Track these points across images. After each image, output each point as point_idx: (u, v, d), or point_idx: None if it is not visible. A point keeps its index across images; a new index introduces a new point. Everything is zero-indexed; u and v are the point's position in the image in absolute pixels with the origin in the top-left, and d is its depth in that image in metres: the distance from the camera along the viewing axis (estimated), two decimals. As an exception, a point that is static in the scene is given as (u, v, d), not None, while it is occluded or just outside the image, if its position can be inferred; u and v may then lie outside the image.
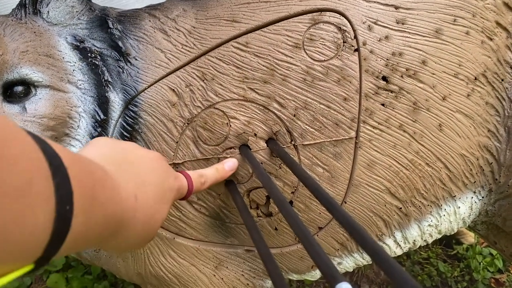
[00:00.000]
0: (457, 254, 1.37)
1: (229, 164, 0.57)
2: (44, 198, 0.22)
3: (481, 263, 1.30)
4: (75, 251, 0.29)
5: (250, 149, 0.58)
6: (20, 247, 0.21)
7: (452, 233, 0.71)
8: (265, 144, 0.58)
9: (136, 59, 0.57)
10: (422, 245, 0.70)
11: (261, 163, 0.59)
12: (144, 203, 0.37)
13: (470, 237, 1.37)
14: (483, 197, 0.66)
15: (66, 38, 0.57)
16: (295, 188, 0.60)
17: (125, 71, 0.57)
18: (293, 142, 0.58)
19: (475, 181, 0.64)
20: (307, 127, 0.57)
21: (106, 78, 0.56)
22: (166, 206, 0.42)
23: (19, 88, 0.52)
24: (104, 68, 0.57)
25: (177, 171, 0.49)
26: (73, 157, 0.26)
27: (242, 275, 0.69)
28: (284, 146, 0.58)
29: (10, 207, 0.19)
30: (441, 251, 1.39)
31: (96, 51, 0.57)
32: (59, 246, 0.24)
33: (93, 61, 0.57)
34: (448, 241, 1.41)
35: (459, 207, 0.65)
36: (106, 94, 0.56)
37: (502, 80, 0.59)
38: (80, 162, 0.27)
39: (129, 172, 0.37)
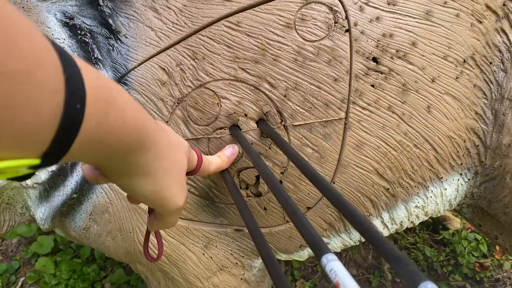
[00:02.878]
0: (443, 239, 1.39)
1: (230, 150, 0.58)
2: (52, 89, 0.21)
3: (466, 248, 1.33)
4: (88, 160, 0.28)
5: (241, 130, 0.58)
6: (23, 133, 0.20)
7: (439, 215, 0.72)
8: (256, 125, 0.59)
9: (126, 37, 0.57)
10: (409, 226, 0.71)
11: (251, 143, 0.59)
12: (165, 128, 0.37)
13: (456, 223, 1.39)
14: (469, 179, 0.67)
15: (55, 14, 0.56)
16: (284, 168, 0.61)
17: (115, 49, 0.56)
18: (283, 123, 0.58)
19: (461, 163, 0.65)
20: (297, 108, 0.57)
21: (96, 56, 0.56)
22: (181, 156, 0.41)
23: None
24: (94, 46, 0.56)
25: None
26: (87, 65, 0.25)
27: (231, 254, 0.69)
28: (274, 126, 0.58)
29: (10, 88, 0.18)
30: (428, 236, 1.42)
31: (86, 28, 0.56)
32: (67, 145, 0.23)
33: (83, 38, 0.56)
34: (435, 227, 1.43)
35: (446, 189, 0.66)
36: (96, 72, 0.56)
37: (490, 63, 0.60)
38: (95, 71, 0.26)
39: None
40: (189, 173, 0.49)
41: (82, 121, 0.23)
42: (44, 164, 0.23)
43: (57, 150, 0.23)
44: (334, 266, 0.31)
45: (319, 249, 0.33)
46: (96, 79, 0.25)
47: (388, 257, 0.31)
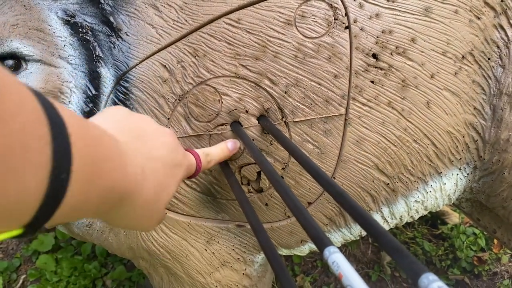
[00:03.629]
0: (441, 234, 1.40)
1: (231, 144, 0.58)
2: (38, 164, 0.20)
3: (465, 242, 1.34)
4: (70, 220, 0.28)
5: (242, 126, 0.59)
6: (5, 211, 0.19)
7: (438, 209, 0.73)
8: (257, 121, 0.59)
9: (127, 35, 0.57)
10: (409, 221, 0.72)
11: (252, 139, 0.60)
12: (151, 177, 0.36)
13: (455, 217, 1.40)
14: (468, 174, 0.68)
15: (57, 12, 0.56)
16: (285, 164, 0.61)
17: (116, 47, 0.57)
18: (284, 119, 0.59)
19: (460, 158, 0.65)
20: (298, 104, 0.58)
21: (97, 54, 0.56)
22: (174, 182, 0.41)
23: (10, 62, 0.52)
24: (95, 44, 0.56)
25: (184, 149, 0.49)
26: (78, 122, 0.24)
27: (233, 249, 0.70)
28: (275, 123, 0.59)
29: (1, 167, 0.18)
30: (427, 231, 1.43)
31: (87, 26, 0.57)
32: (50, 215, 0.23)
33: (84, 36, 0.56)
34: (433, 221, 1.44)
35: (445, 184, 0.67)
36: (98, 70, 0.56)
37: (489, 59, 0.60)
38: (86, 128, 0.26)
39: (139, 145, 0.36)
40: (189, 177, 0.49)
41: (67, 191, 0.23)
42: (25, 234, 0.23)
43: (38, 222, 0.22)
44: (336, 258, 0.32)
45: (321, 242, 0.34)
46: (85, 143, 0.24)
47: (389, 249, 0.32)
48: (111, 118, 0.38)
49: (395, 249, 0.31)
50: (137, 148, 0.36)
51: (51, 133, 0.21)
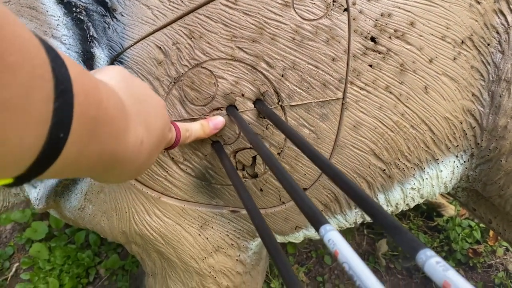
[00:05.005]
0: (437, 226, 1.41)
1: (215, 122, 0.57)
2: (39, 120, 0.20)
3: (460, 235, 1.34)
4: (61, 177, 0.28)
5: (237, 110, 0.58)
6: (3, 160, 0.20)
7: (434, 198, 0.72)
8: (253, 105, 0.58)
9: (122, 15, 0.56)
10: (404, 209, 0.71)
11: (248, 124, 0.59)
12: (146, 151, 0.36)
13: (450, 210, 1.40)
14: (464, 162, 0.67)
15: (50, -9, 0.55)
16: (281, 149, 0.61)
17: (111, 27, 0.55)
18: (280, 103, 0.58)
19: (457, 145, 0.65)
20: (295, 88, 0.57)
21: (91, 34, 0.55)
22: (157, 152, 0.41)
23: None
24: (89, 24, 0.55)
25: None
26: (87, 82, 0.24)
27: (227, 235, 0.69)
28: (272, 107, 0.58)
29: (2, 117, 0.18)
30: (422, 223, 1.43)
31: (81, 6, 0.56)
32: (43, 170, 0.23)
33: (78, 16, 0.55)
34: (429, 213, 1.44)
35: (442, 171, 0.66)
36: (91, 50, 0.55)
37: (488, 44, 0.60)
38: (95, 89, 0.25)
39: (141, 112, 0.36)
40: (166, 149, 0.49)
41: (63, 150, 0.23)
42: (15, 184, 0.23)
43: (30, 175, 0.22)
44: (332, 236, 0.31)
45: (317, 221, 0.33)
46: (89, 104, 0.24)
47: (386, 227, 0.31)
48: (115, 77, 0.36)
49: (392, 227, 0.31)
50: (139, 114, 0.35)
51: (55, 91, 0.21)
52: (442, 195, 1.39)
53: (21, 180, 0.22)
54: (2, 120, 0.18)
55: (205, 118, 0.58)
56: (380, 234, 1.40)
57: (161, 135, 0.40)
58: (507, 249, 1.35)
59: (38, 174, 0.23)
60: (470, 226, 1.37)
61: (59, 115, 0.21)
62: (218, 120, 0.57)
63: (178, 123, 0.50)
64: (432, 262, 0.26)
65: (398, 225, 0.30)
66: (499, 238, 1.31)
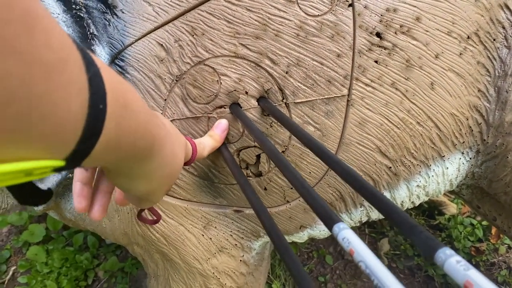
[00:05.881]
0: (439, 224, 1.40)
1: (220, 127, 0.57)
2: (77, 87, 0.20)
3: (462, 233, 1.33)
4: (108, 160, 0.28)
5: (241, 108, 0.57)
6: (55, 130, 0.19)
7: (439, 195, 0.72)
8: (256, 103, 0.57)
9: (123, 12, 0.55)
10: (409, 207, 0.71)
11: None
12: (169, 139, 0.37)
13: (452, 208, 1.40)
14: (470, 158, 0.67)
15: (49, -13, 0.54)
16: (285, 147, 0.60)
17: (111, 24, 0.54)
18: (284, 100, 0.57)
19: (464, 142, 0.64)
20: (299, 85, 0.56)
21: (91, 31, 0.54)
22: (181, 155, 0.41)
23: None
24: (89, 21, 0.54)
25: None
26: (103, 63, 0.25)
27: (231, 235, 0.68)
28: (276, 104, 0.57)
29: (44, 82, 0.18)
30: (424, 221, 1.42)
31: (81, 3, 0.54)
32: (92, 145, 0.23)
33: (78, 13, 0.54)
34: (431, 212, 1.43)
35: (447, 168, 0.66)
36: (92, 48, 0.54)
37: (494, 40, 0.59)
38: (110, 69, 0.26)
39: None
40: (184, 164, 0.48)
41: (104, 122, 0.23)
42: (67, 166, 0.23)
43: (81, 152, 0.23)
44: (346, 235, 0.30)
45: (330, 219, 0.32)
46: (113, 80, 0.25)
47: (402, 226, 0.30)
48: None
49: (408, 226, 0.30)
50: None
51: (83, 60, 0.21)
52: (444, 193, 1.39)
53: (72, 161, 0.22)
54: (51, 87, 0.18)
55: (207, 117, 0.57)
56: (381, 233, 1.39)
57: (177, 134, 0.41)
58: (509, 247, 1.35)
59: (88, 152, 0.23)
60: (472, 224, 1.36)
61: (94, 85, 0.22)
62: (222, 123, 0.57)
63: (193, 140, 0.50)
64: (452, 261, 0.25)
65: (414, 224, 0.29)
66: (501, 236, 1.31)
